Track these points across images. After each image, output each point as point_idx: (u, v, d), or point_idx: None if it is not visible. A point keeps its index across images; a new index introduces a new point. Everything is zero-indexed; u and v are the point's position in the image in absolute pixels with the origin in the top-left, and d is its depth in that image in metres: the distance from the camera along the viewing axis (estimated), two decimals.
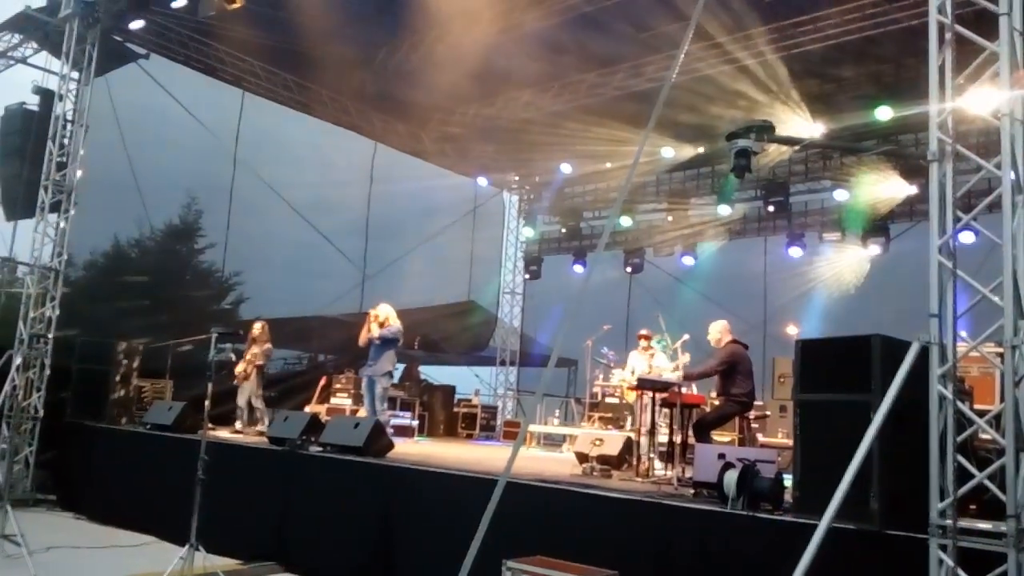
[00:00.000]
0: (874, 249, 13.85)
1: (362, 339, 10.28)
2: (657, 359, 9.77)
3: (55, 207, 11.18)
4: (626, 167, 15.09)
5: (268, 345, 11.30)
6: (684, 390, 8.56)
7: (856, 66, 12.25)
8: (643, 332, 10.25)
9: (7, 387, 10.02)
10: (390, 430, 9.84)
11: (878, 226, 13.82)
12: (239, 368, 11.15)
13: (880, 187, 13.51)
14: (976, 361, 6.58)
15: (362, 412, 11.13)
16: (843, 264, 14.65)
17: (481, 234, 19.34)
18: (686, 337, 9.68)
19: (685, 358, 9.34)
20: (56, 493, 10.52)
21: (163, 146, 15.03)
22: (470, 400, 16.42)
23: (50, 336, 10.75)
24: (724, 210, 15.68)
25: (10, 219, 11.86)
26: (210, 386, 6.71)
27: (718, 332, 8.51)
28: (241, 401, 11.12)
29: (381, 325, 10.18)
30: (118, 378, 11.01)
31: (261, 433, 10.65)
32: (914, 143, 12.71)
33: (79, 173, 11.31)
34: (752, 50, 11.49)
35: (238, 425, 11.06)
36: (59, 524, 9.43)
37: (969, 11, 4.77)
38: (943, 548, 4.22)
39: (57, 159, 11.15)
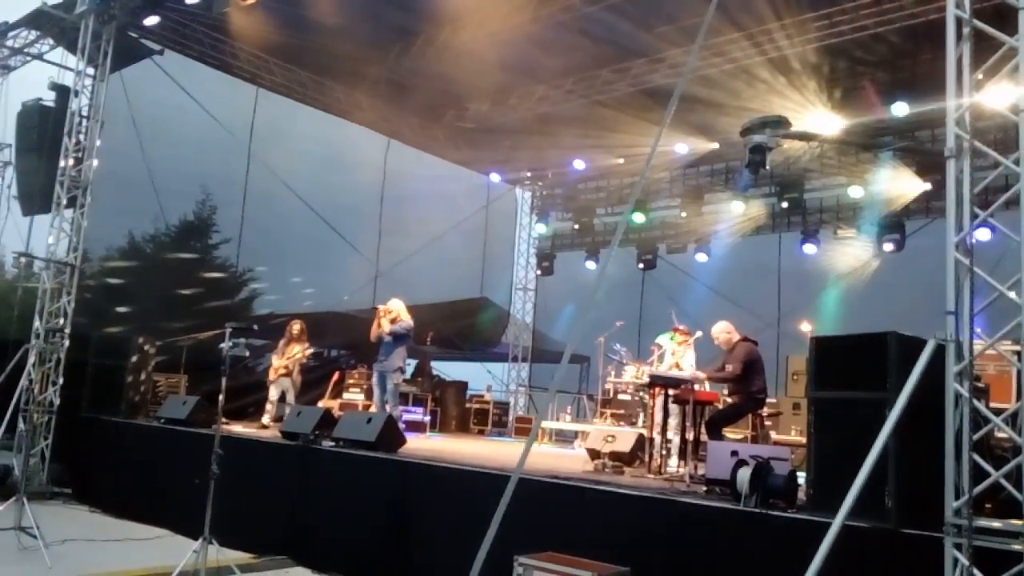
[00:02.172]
0: (889, 246, 13.75)
1: (373, 334, 10.31)
2: (686, 357, 9.67)
3: (71, 202, 11.25)
4: (640, 163, 15.06)
5: (307, 344, 11.40)
6: (696, 387, 8.53)
7: (872, 61, 12.15)
8: (680, 327, 9.94)
9: (23, 381, 10.10)
10: (402, 425, 9.87)
11: (893, 223, 13.71)
12: (280, 363, 11.20)
13: (896, 183, 13.41)
14: (993, 359, 6.53)
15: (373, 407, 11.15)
16: (857, 260, 14.57)
17: (494, 230, 19.34)
18: (699, 334, 9.64)
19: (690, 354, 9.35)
20: (72, 486, 10.60)
21: (177, 142, 15.09)
22: (482, 396, 16.45)
23: (66, 330, 10.83)
24: (738, 207, 15.61)
25: (26, 214, 11.98)
26: (224, 380, 6.74)
27: (726, 332, 8.45)
28: (274, 396, 11.17)
29: (392, 321, 10.20)
30: (133, 372, 11.08)
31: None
32: (931, 139, 12.60)
33: (94, 168, 11.39)
34: (767, 46, 11.42)
35: (265, 420, 11.07)
36: (74, 517, 9.51)
37: (987, 5, 4.72)
38: (958, 547, 4.19)
39: (73, 155, 11.23)
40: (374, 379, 10.54)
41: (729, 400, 8.66)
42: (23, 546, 7.29)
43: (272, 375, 11.25)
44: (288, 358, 11.20)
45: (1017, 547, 4.05)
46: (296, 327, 11.43)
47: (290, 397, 11.18)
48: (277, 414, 11.02)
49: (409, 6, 11.69)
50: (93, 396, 10.98)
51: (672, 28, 11.25)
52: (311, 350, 11.45)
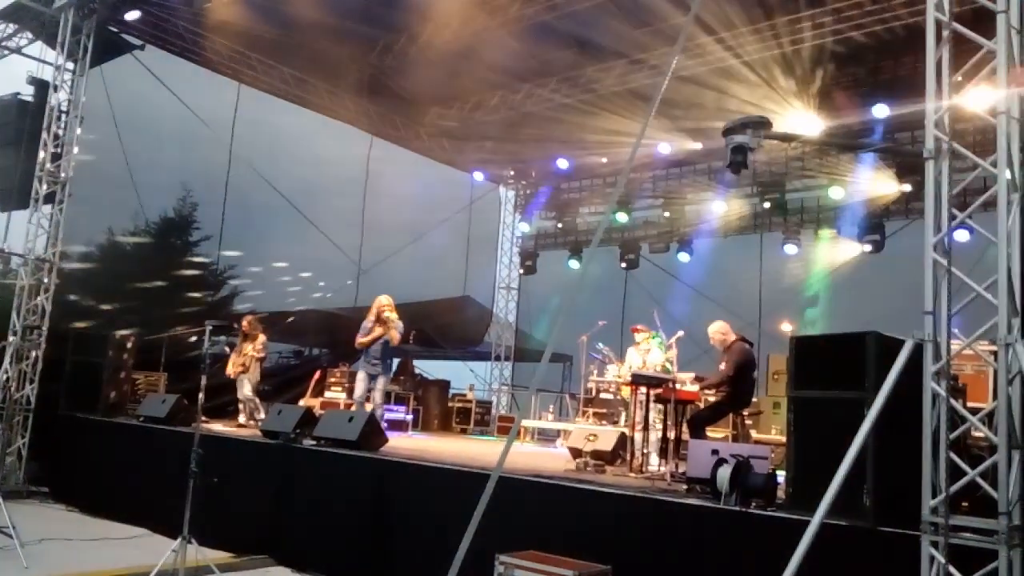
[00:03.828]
0: (868, 247, 13.86)
1: (363, 341, 10.18)
2: (653, 355, 9.77)
3: (49, 198, 11.15)
4: (623, 163, 15.09)
5: (262, 337, 11.27)
6: (677, 386, 8.55)
7: (854, 63, 12.26)
8: (635, 326, 10.25)
9: (0, 378, 9.99)
10: (384, 424, 9.83)
11: (873, 224, 13.83)
12: (236, 362, 11.12)
13: (876, 185, 13.53)
14: (970, 359, 6.60)
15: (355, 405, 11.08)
16: (837, 261, 14.69)
17: (477, 229, 19.32)
18: (680, 333, 9.69)
19: (671, 353, 9.40)
20: (49, 485, 10.49)
21: (158, 138, 14.97)
22: (464, 395, 16.42)
23: (44, 328, 10.72)
24: (720, 207, 15.68)
25: (4, 210, 11.85)
26: (204, 379, 6.69)
27: (722, 332, 8.44)
28: (242, 395, 11.09)
29: (389, 319, 10.14)
30: (112, 370, 10.99)
31: (243, 425, 10.65)
32: (910, 140, 12.71)
33: (73, 164, 11.28)
34: (750, 46, 11.49)
35: (241, 419, 10.99)
36: (51, 516, 9.41)
37: (967, 9, 4.77)
38: (935, 545, 4.23)
39: (52, 150, 11.12)
40: (359, 376, 10.39)
41: (712, 399, 8.69)
42: None
43: (232, 375, 11.14)
44: (243, 355, 11.10)
45: (992, 545, 4.09)
46: (244, 323, 11.32)
47: (251, 393, 11.05)
48: (217, 403, 10.91)
49: (392, 4, 11.66)
50: (71, 394, 10.88)
51: (656, 28, 11.28)
52: (262, 339, 11.25)
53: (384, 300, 10.27)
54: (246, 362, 11.06)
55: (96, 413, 10.61)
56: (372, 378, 10.19)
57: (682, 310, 13.42)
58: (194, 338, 11.32)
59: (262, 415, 10.81)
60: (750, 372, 8.27)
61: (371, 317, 10.22)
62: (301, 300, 16.64)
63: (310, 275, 17.19)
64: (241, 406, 11.12)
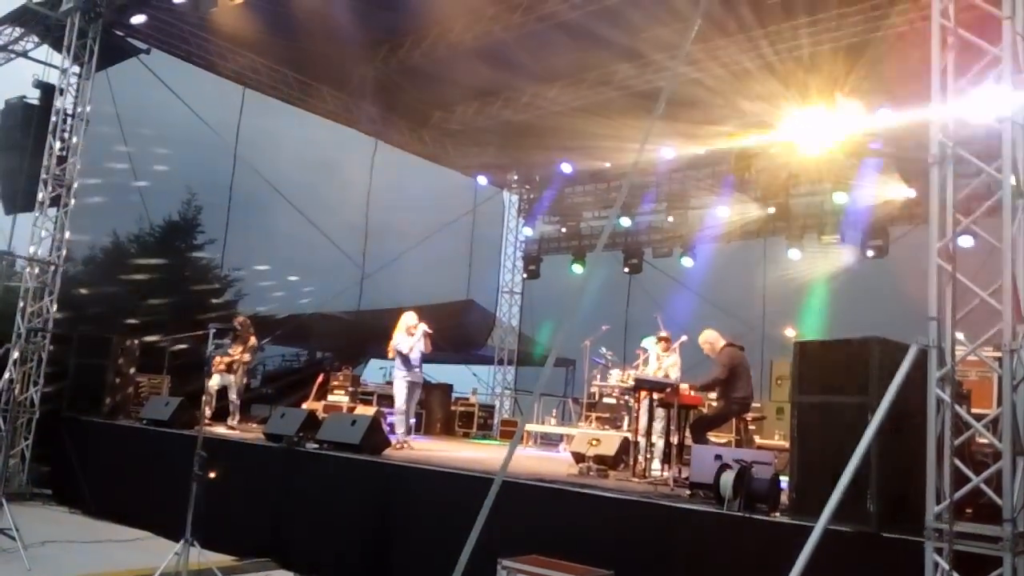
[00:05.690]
0: (872, 252, 13.84)
1: (396, 350, 10.24)
2: (668, 360, 9.72)
3: (55, 201, 11.19)
4: (627, 167, 15.08)
5: (252, 340, 11.19)
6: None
7: (858, 68, 12.23)
8: (663, 335, 10.11)
9: (3, 381, 10.02)
10: (387, 427, 9.82)
11: (877, 229, 13.80)
12: (222, 360, 11.05)
13: (880, 190, 13.51)
14: (974, 365, 6.58)
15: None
16: (841, 266, 14.66)
17: (480, 233, 19.32)
18: (684, 338, 9.67)
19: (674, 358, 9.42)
20: (52, 487, 10.52)
21: (163, 142, 15.00)
22: (467, 399, 16.41)
23: (48, 330, 10.74)
24: (723, 212, 15.67)
25: (9, 213, 11.87)
26: (207, 382, 6.70)
27: (710, 341, 8.52)
28: (212, 387, 10.91)
29: (411, 333, 10.22)
30: (115, 373, 11.00)
31: (231, 427, 10.61)
32: (915, 146, 12.68)
33: (79, 167, 11.31)
34: (754, 51, 11.48)
35: (208, 412, 10.83)
36: (54, 518, 9.43)
37: (972, 15, 4.76)
38: (939, 551, 4.22)
39: (57, 153, 11.16)
40: (403, 388, 10.38)
41: (714, 404, 8.68)
42: (2, 548, 7.21)
43: (215, 369, 10.98)
44: (230, 357, 10.97)
45: (997, 552, 4.07)
46: (236, 323, 11.20)
47: (232, 395, 10.96)
48: (216, 407, 10.83)
49: (396, 8, 11.68)
50: (74, 396, 10.91)
51: (660, 32, 11.27)
52: (251, 343, 11.10)
53: (403, 316, 10.36)
54: (234, 364, 10.99)
55: (99, 416, 10.62)
56: (413, 386, 10.24)
57: (685, 315, 13.38)
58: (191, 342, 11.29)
59: (232, 420, 10.80)
60: (743, 374, 8.27)
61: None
62: (304, 304, 16.64)
63: (313, 278, 17.20)
64: (206, 397, 10.87)
